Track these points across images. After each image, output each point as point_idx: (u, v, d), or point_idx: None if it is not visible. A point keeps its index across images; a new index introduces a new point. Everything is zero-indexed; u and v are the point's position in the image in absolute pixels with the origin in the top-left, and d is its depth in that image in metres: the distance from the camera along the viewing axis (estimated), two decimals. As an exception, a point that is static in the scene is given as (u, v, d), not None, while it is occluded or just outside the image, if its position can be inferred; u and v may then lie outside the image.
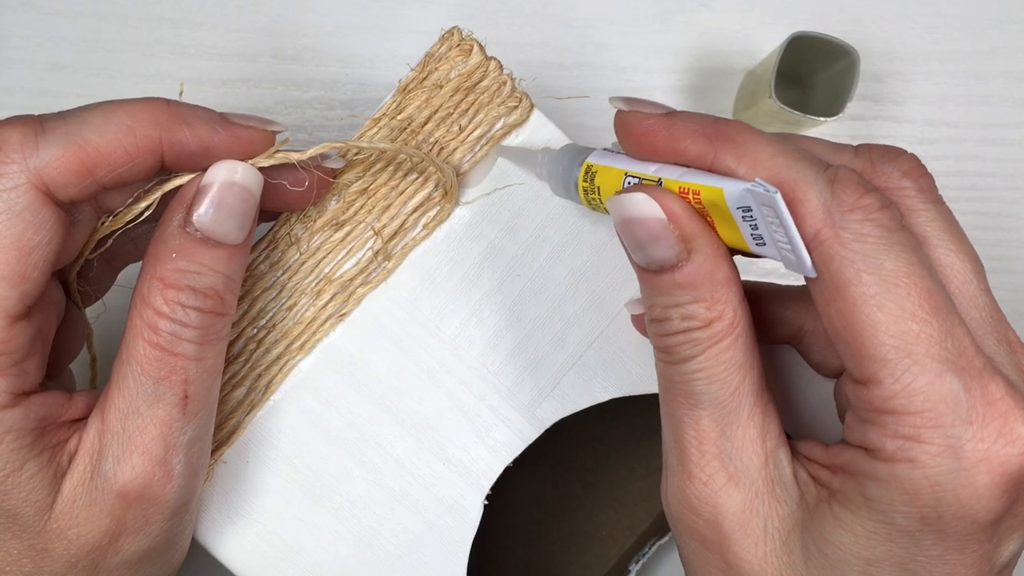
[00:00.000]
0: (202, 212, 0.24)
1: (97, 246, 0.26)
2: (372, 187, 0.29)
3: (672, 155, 0.23)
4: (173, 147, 0.24)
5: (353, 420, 0.29)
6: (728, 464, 0.23)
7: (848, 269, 0.20)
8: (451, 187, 0.28)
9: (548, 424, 0.30)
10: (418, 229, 0.29)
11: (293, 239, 0.29)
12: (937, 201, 0.23)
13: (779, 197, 0.20)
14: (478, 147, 0.29)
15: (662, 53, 0.43)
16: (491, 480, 0.29)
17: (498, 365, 0.29)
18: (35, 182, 0.23)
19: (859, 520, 0.22)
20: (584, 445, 0.40)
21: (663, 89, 0.43)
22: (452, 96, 0.29)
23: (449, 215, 0.29)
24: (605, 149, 0.26)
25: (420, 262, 0.29)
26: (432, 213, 0.29)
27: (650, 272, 0.23)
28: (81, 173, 0.23)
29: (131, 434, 0.24)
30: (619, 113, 0.24)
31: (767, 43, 0.43)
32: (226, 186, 0.25)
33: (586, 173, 0.25)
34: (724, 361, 0.23)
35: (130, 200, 0.26)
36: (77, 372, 0.29)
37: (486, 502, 0.29)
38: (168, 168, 0.25)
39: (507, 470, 0.30)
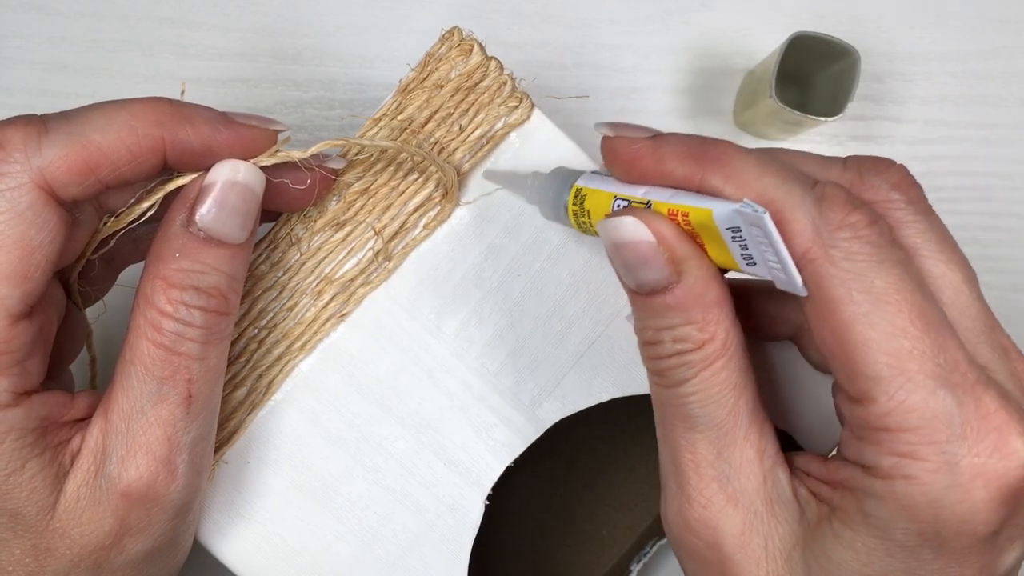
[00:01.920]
0: (204, 211, 0.24)
1: (99, 246, 0.26)
2: (373, 187, 0.29)
3: (660, 178, 0.23)
4: (176, 146, 0.24)
5: (353, 420, 0.29)
6: (727, 486, 0.23)
7: (839, 288, 0.20)
8: (452, 187, 0.28)
9: (548, 424, 0.30)
10: (419, 229, 0.29)
11: (294, 239, 0.29)
12: (927, 212, 0.23)
13: (767, 217, 0.20)
14: (478, 147, 0.29)
15: (662, 53, 0.43)
16: (492, 480, 0.29)
17: (498, 365, 0.29)
18: (38, 181, 0.23)
19: (859, 537, 0.22)
20: (585, 445, 0.40)
21: (663, 89, 0.43)
22: (452, 96, 0.29)
23: (450, 215, 0.29)
24: (594, 172, 0.26)
25: (421, 262, 0.29)
26: (433, 213, 0.29)
27: (641, 295, 0.23)
28: (84, 172, 0.23)
29: (135, 434, 0.24)
30: (605, 139, 0.24)
31: (767, 43, 0.43)
32: (228, 185, 0.25)
33: (575, 196, 0.25)
34: (719, 383, 0.23)
35: (132, 200, 0.26)
36: (77, 373, 0.29)
37: (487, 502, 0.29)
38: (171, 167, 0.25)
39: (508, 470, 0.30)
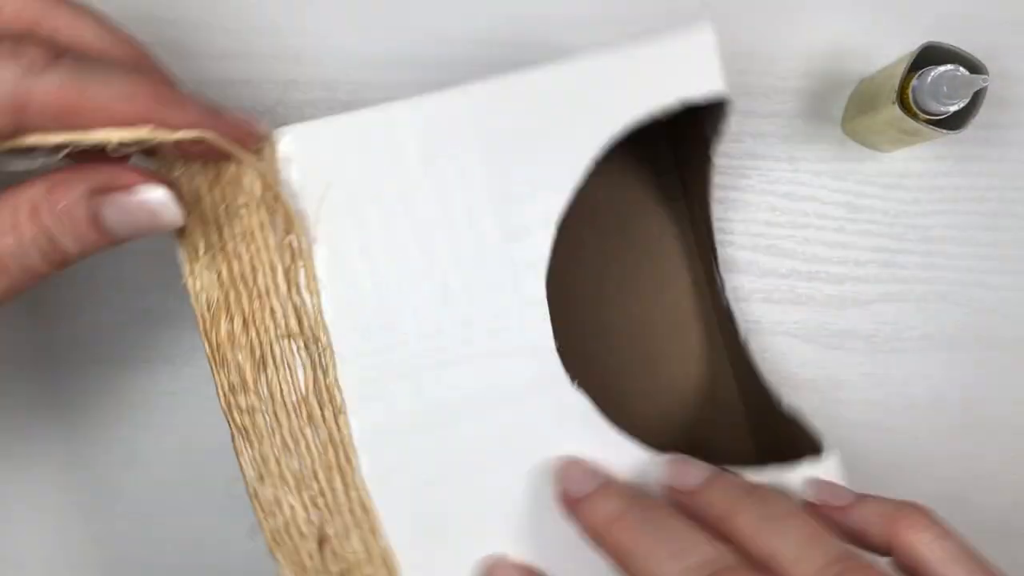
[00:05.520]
0: (112, 207, 0.25)
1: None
2: (237, 272, 0.29)
3: None
4: (162, 127, 0.25)
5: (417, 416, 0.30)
6: None
7: None
8: (289, 212, 0.28)
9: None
10: (305, 292, 0.29)
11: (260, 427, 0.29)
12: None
13: None
14: (273, 201, 0.29)
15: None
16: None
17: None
18: (20, 97, 0.23)
19: None
20: None
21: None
22: (212, 197, 0.29)
23: (313, 255, 0.29)
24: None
25: (338, 298, 0.29)
26: (300, 269, 0.29)
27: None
28: (66, 115, 0.24)
29: None
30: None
31: (767, 43, 0.43)
32: (150, 209, 0.26)
33: None
34: None
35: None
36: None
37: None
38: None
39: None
